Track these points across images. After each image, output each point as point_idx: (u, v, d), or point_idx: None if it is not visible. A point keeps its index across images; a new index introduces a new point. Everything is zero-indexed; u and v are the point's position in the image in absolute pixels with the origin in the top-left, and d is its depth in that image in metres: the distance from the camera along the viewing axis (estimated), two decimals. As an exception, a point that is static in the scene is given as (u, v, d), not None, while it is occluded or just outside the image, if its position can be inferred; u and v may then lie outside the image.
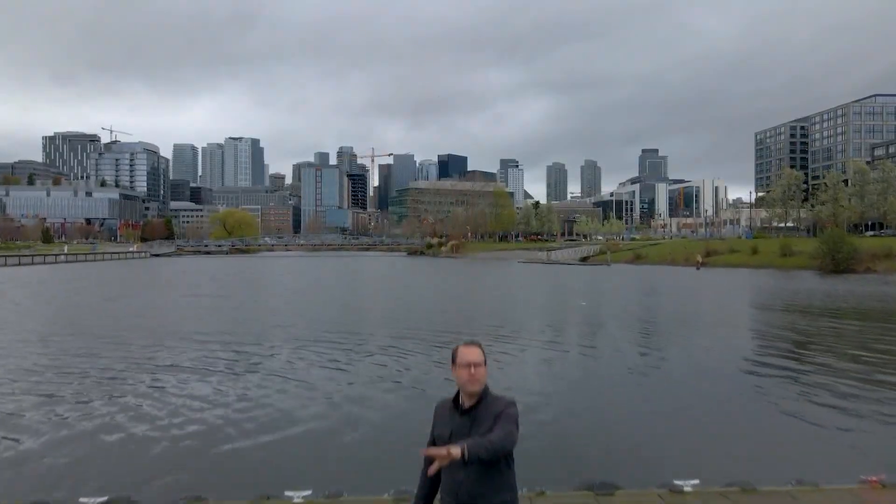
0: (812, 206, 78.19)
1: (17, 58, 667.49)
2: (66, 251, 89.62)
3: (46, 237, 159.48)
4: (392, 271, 67.60)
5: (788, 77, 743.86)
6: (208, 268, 76.21)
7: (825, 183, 76.38)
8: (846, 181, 78.49)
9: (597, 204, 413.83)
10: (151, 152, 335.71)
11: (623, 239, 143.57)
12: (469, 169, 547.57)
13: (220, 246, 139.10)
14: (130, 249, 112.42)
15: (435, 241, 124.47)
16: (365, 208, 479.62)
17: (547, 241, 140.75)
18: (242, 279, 52.19)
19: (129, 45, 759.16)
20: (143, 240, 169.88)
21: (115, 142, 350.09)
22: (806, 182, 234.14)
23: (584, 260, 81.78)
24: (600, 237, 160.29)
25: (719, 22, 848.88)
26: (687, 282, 48.17)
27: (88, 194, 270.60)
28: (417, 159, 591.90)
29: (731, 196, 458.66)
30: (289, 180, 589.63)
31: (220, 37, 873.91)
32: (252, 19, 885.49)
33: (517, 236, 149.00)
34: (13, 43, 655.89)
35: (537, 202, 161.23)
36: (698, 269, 59.05)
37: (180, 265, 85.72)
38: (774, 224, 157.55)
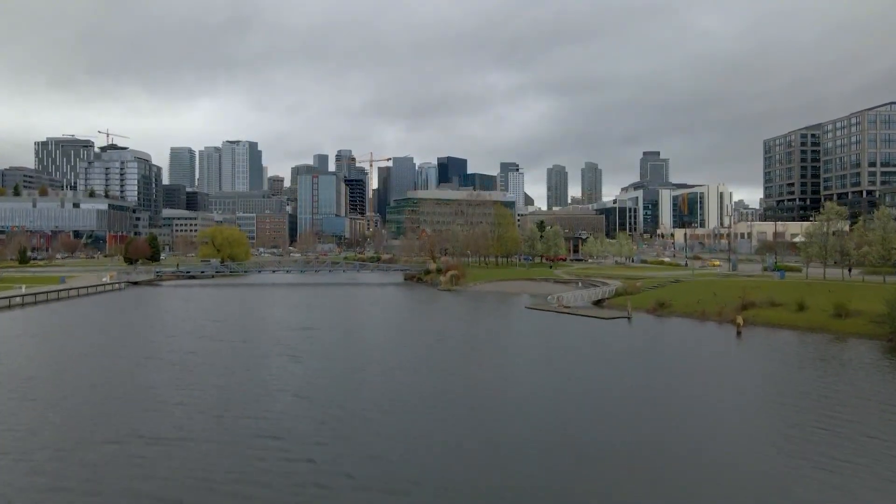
0: (858, 246, 69.80)
1: (15, 61, 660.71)
2: (23, 290, 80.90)
3: (23, 258, 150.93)
4: (378, 330, 59.50)
5: (792, 78, 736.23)
6: (179, 313, 68.17)
7: (874, 219, 68.05)
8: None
9: (599, 211, 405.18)
10: (143, 160, 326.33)
11: (633, 262, 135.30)
12: (469, 171, 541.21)
13: (203, 271, 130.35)
14: (104, 280, 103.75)
15: (433, 267, 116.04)
16: (363, 213, 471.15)
17: (553, 262, 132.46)
18: (201, 356, 43.60)
19: (127, 48, 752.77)
20: (127, 259, 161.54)
21: (111, 146, 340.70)
22: (817, 192, 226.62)
23: (598, 303, 73.48)
24: (608, 255, 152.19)
25: (721, 22, 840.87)
26: (733, 362, 40.83)
27: (76, 205, 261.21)
28: (417, 162, 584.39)
29: (735, 198, 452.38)
30: (287, 183, 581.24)
31: (217, 40, 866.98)
32: (249, 22, 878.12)
33: (521, 257, 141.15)
34: (10, 46, 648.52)
35: (542, 222, 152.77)
36: (739, 333, 50.71)
37: (150, 306, 77.54)
38: (791, 238, 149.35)
